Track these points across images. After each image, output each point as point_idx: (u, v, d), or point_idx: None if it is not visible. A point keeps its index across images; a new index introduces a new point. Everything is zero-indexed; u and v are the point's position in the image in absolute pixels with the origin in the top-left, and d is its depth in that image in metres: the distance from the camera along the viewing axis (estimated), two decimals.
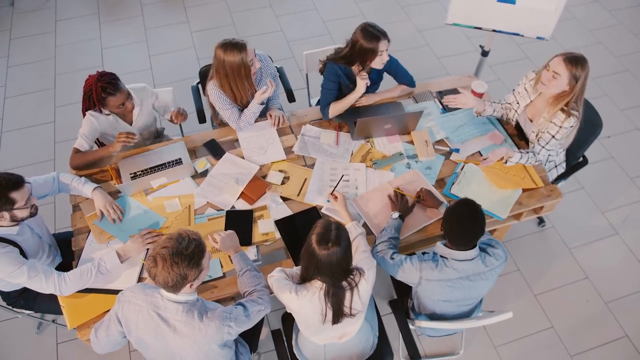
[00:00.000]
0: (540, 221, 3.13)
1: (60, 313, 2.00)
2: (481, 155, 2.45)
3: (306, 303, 1.68)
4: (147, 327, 1.64)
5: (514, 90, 2.47)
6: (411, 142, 2.52)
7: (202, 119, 2.87)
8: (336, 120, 2.61)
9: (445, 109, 2.67)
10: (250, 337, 2.10)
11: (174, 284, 1.52)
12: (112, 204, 2.18)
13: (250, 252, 2.12)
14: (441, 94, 2.74)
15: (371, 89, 2.68)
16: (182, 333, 1.62)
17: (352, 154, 2.47)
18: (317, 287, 1.67)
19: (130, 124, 2.50)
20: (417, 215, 2.22)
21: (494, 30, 2.83)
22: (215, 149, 2.49)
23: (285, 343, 2.14)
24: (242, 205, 2.28)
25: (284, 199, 2.30)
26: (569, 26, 4.46)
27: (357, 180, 2.36)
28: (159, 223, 2.21)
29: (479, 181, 2.34)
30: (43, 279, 1.88)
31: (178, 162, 2.41)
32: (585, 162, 2.60)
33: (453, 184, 2.33)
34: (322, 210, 2.26)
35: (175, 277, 1.50)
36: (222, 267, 2.08)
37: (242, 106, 2.53)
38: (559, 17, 2.62)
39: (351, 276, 1.69)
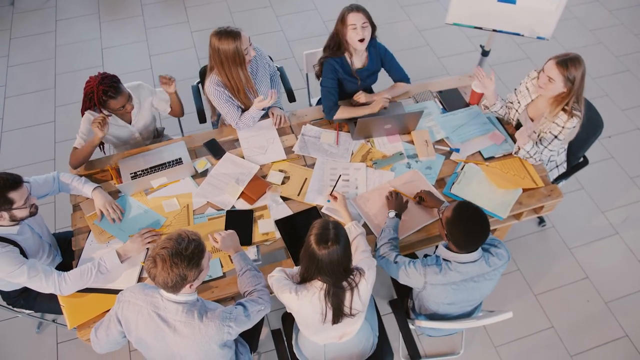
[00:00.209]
0: (541, 221, 3.13)
1: (60, 313, 2.00)
2: (481, 155, 2.45)
3: (306, 303, 1.68)
4: (147, 327, 1.64)
5: (515, 89, 2.47)
6: (411, 142, 2.52)
7: (202, 119, 2.87)
8: (336, 120, 2.61)
9: (446, 108, 2.67)
10: (250, 337, 2.10)
11: (173, 284, 1.52)
12: (111, 203, 2.18)
13: (251, 252, 2.12)
14: (441, 94, 2.74)
15: (369, 79, 2.69)
16: (182, 333, 1.62)
17: (352, 154, 2.47)
18: (317, 287, 1.67)
19: (129, 123, 2.50)
20: (417, 216, 2.22)
21: (494, 30, 2.83)
22: (215, 149, 2.49)
23: (285, 343, 2.14)
24: (242, 205, 2.28)
25: (284, 198, 2.30)
26: (569, 26, 4.45)
27: (357, 180, 2.36)
28: (159, 223, 2.21)
29: (479, 181, 2.34)
30: (43, 279, 1.88)
31: (178, 162, 2.41)
32: (585, 162, 2.60)
33: (453, 183, 2.33)
34: (322, 210, 2.26)
35: (175, 277, 1.50)
36: (222, 267, 2.08)
37: (240, 101, 2.52)
38: (559, 17, 2.62)
39: (351, 276, 1.69)
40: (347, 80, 2.58)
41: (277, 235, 2.18)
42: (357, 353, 1.98)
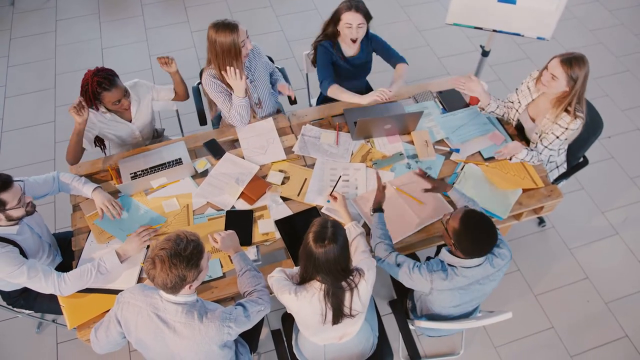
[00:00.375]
0: (541, 221, 3.13)
1: (60, 313, 2.00)
2: (481, 155, 2.45)
3: (306, 304, 1.68)
4: (146, 328, 1.63)
5: (517, 89, 2.47)
6: (411, 142, 2.52)
7: (203, 121, 2.87)
8: (336, 120, 2.61)
9: (446, 108, 2.67)
10: (250, 337, 2.10)
11: (172, 285, 1.51)
12: (111, 200, 2.18)
13: (250, 252, 2.12)
14: (441, 94, 2.74)
15: (362, 69, 2.75)
16: (182, 334, 1.62)
17: (352, 154, 2.47)
18: (316, 288, 1.67)
19: (130, 122, 2.50)
20: (417, 216, 2.22)
21: (494, 31, 2.83)
22: (215, 149, 2.49)
23: (285, 343, 2.14)
24: (242, 205, 2.28)
25: (284, 199, 2.30)
26: (569, 26, 4.45)
27: (357, 180, 2.35)
28: (160, 223, 2.20)
29: (479, 181, 2.34)
30: (42, 279, 1.88)
31: (178, 162, 2.41)
32: (585, 162, 2.60)
33: (453, 184, 2.33)
34: (322, 211, 2.26)
35: (174, 278, 1.50)
36: (222, 267, 2.08)
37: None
38: (559, 17, 2.62)
39: (350, 277, 1.69)
40: (340, 65, 2.64)
41: (277, 235, 2.18)
42: (357, 353, 1.98)
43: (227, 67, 2.28)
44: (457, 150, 2.47)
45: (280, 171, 2.39)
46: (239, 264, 1.92)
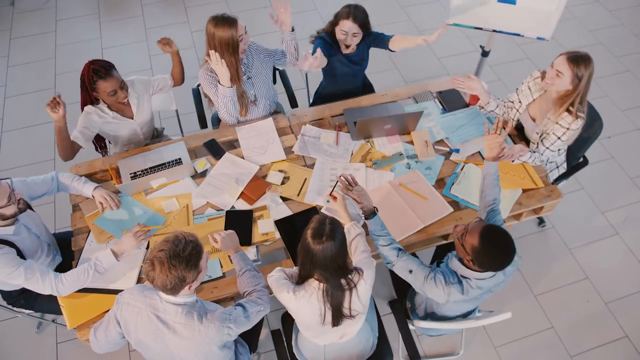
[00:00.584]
0: (541, 221, 3.13)
1: (60, 313, 2.00)
2: (481, 155, 2.45)
3: (304, 303, 1.68)
4: (146, 329, 1.63)
5: (517, 89, 2.46)
6: (411, 142, 2.52)
7: (203, 124, 2.87)
8: (336, 120, 2.61)
9: (446, 108, 2.67)
10: (250, 337, 2.10)
11: (172, 286, 1.51)
12: (109, 193, 2.19)
13: (250, 252, 2.12)
14: (441, 94, 2.74)
15: (357, 66, 2.76)
16: (181, 335, 1.62)
17: (352, 154, 2.47)
18: (314, 287, 1.67)
19: (132, 119, 2.50)
20: (417, 216, 2.21)
21: (494, 31, 2.83)
22: (215, 149, 2.49)
23: (285, 343, 2.14)
24: (242, 205, 2.28)
25: (284, 199, 2.30)
26: (569, 26, 4.45)
27: (357, 181, 2.35)
28: (159, 223, 2.20)
29: (479, 181, 2.33)
30: (40, 280, 1.87)
31: (178, 162, 2.41)
32: (585, 162, 2.60)
33: (453, 184, 2.33)
34: (322, 211, 2.26)
35: (174, 279, 1.50)
36: (221, 267, 2.08)
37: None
38: (559, 17, 2.62)
39: (349, 276, 1.69)
40: (337, 60, 2.66)
41: (277, 235, 2.18)
42: (357, 353, 1.98)
43: (210, 51, 2.26)
44: (457, 151, 2.47)
45: (280, 171, 2.39)
46: (239, 264, 1.92)
